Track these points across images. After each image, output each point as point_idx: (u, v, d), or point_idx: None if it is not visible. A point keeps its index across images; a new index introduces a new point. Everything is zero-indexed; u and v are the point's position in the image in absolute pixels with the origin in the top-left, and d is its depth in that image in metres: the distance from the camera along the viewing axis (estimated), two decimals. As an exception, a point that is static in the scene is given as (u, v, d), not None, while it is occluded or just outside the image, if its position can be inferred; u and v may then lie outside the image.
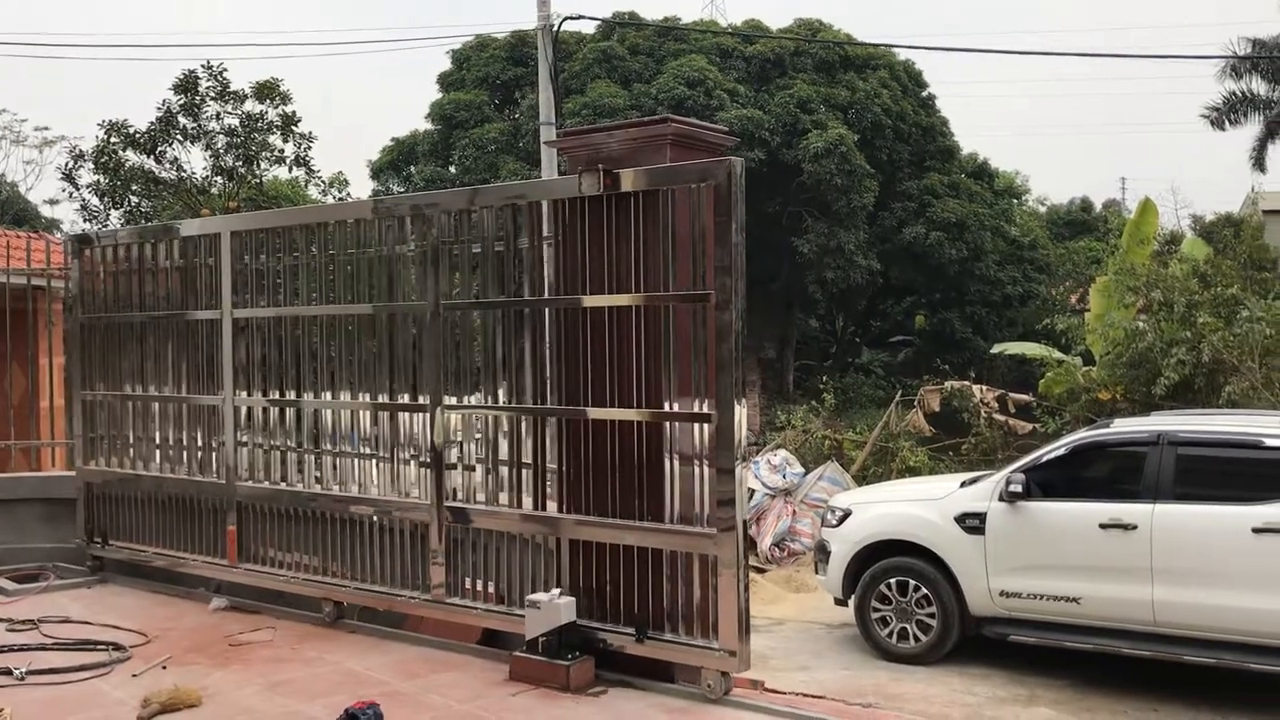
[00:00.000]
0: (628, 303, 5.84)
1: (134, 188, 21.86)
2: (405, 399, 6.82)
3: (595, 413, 5.95)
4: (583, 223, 6.01)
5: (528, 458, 6.31)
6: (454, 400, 6.57)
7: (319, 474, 7.40)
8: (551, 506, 6.20)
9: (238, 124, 21.67)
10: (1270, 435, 8.23)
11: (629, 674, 5.84)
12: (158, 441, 8.26)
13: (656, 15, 33.63)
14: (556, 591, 5.95)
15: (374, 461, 7.02)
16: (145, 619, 7.23)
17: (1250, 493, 8.00)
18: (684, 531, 5.68)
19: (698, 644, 5.63)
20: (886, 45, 35.63)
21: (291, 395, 7.38)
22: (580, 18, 19.47)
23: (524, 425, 6.31)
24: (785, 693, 6.37)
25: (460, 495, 6.56)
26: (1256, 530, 7.73)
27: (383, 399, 6.91)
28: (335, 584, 7.09)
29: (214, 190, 22.01)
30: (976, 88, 79.34)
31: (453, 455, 6.63)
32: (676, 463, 5.75)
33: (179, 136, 21.54)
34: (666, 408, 5.75)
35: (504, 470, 6.41)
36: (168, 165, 21.77)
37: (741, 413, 5.51)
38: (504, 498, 6.40)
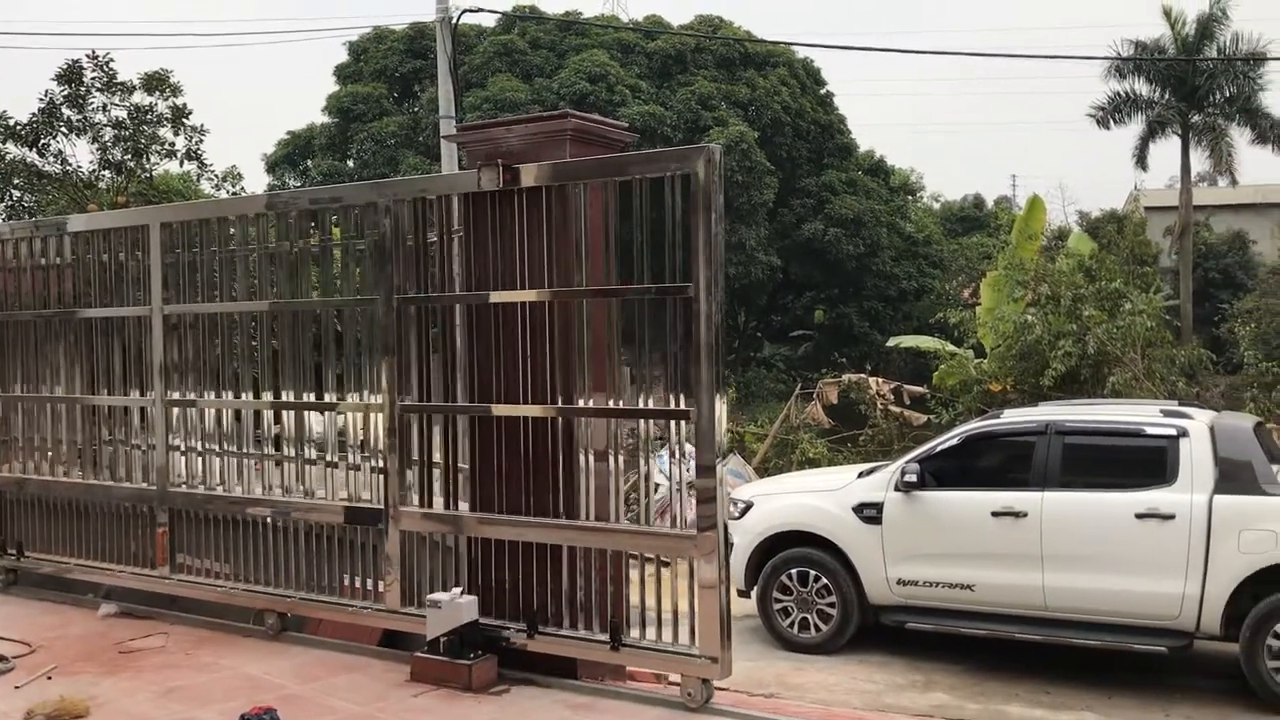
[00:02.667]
0: (535, 298, 5.82)
1: (16, 182, 21.03)
2: (310, 397, 6.72)
3: (504, 410, 5.92)
4: (487, 217, 5.98)
5: (440, 457, 6.25)
6: (360, 399, 6.46)
7: (217, 475, 7.24)
8: (464, 506, 6.16)
9: (126, 116, 21.00)
10: (1151, 424, 8.53)
11: (532, 671, 5.83)
12: (72, 445, 7.92)
13: (557, 9, 33.52)
14: (457, 591, 5.91)
15: (274, 462, 6.90)
16: (30, 628, 6.98)
17: (1133, 479, 8.28)
18: (662, 534, 5.61)
19: (676, 650, 5.45)
20: (786, 43, 36.07)
21: (195, 395, 7.18)
22: (480, 10, 19.27)
23: (427, 423, 6.24)
24: (751, 693, 6.39)
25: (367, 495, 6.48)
26: (1139, 515, 8.00)
27: (286, 397, 6.79)
28: (242, 589, 6.90)
29: (101, 184, 21.29)
30: (873, 86, 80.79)
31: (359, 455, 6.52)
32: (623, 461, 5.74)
33: (63, 129, 20.79)
34: (575, 403, 5.71)
35: (434, 470, 6.30)
36: (51, 159, 21.00)
37: (722, 408, 5.34)
38: (438, 499, 6.27)
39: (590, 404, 5.72)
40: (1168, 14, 34.21)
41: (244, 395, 6.99)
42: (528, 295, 5.84)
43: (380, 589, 6.35)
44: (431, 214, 6.27)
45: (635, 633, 5.61)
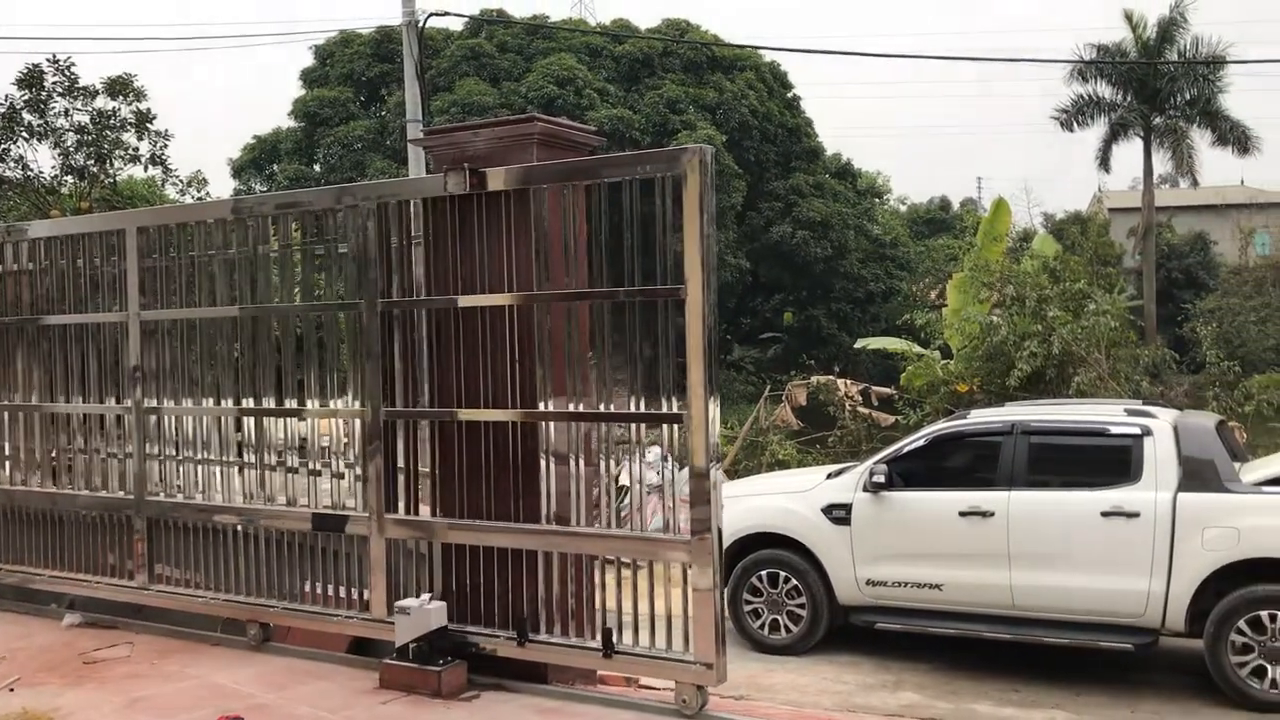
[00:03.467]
0: (521, 302, 5.78)
1: (-25, 187, 20.80)
2: (270, 403, 6.65)
3: (465, 414, 5.89)
4: (471, 221, 5.96)
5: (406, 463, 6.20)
6: (346, 404, 6.38)
7: (180, 483, 7.16)
8: (425, 510, 6.11)
9: (88, 121, 20.80)
10: (1116, 423, 8.62)
11: (502, 676, 5.81)
12: (42, 455, 7.76)
13: (525, 13, 33.54)
14: (426, 597, 5.88)
15: (238, 469, 6.83)
16: (-9, 639, 6.89)
17: (1098, 478, 8.35)
18: (655, 539, 5.55)
19: (670, 657, 5.37)
20: (753, 47, 36.23)
21: (173, 402, 7.07)
22: (446, 14, 19.30)
23: (412, 429, 6.17)
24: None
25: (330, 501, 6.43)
26: (1104, 514, 8.07)
27: (247, 403, 6.72)
28: (223, 599, 6.77)
29: (64, 190, 21.08)
30: (840, 89, 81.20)
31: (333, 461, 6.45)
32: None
33: (24, 134, 20.57)
34: (565, 408, 5.66)
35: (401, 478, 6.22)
36: (12, 164, 20.78)
37: (715, 412, 5.29)
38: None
39: (581, 408, 5.67)
40: (1129, 17, 34.65)
41: (224, 402, 6.85)
42: (510, 299, 5.78)
43: (365, 596, 6.26)
44: (417, 217, 6.19)
45: (627, 638, 5.53)
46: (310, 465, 6.55)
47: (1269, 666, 7.53)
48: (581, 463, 5.73)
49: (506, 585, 5.80)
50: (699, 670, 5.26)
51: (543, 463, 5.72)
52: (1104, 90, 36.10)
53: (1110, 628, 8.09)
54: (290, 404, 6.60)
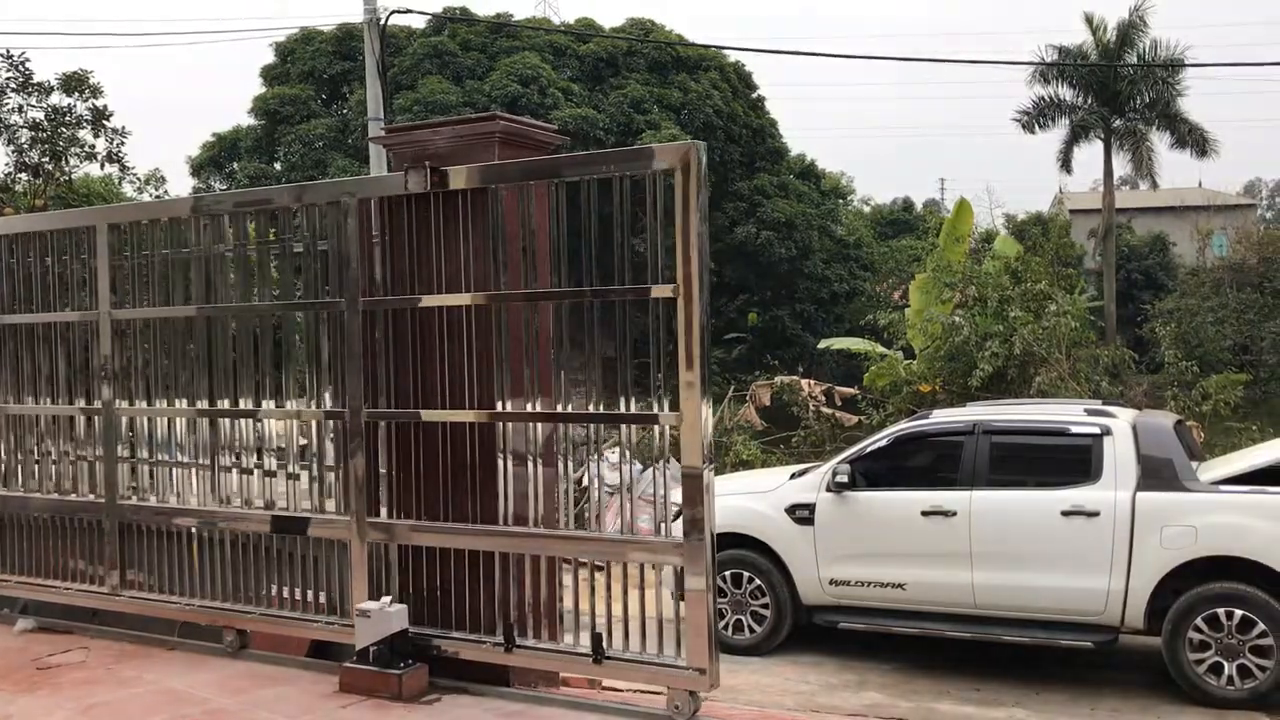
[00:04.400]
0: (470, 302, 5.73)
1: (-74, 184, 20.44)
2: (225, 404, 6.55)
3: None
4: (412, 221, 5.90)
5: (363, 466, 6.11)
6: (326, 405, 6.28)
7: (135, 484, 7.04)
8: (382, 512, 6.03)
9: (43, 118, 20.49)
10: (1076, 423, 8.69)
11: (464, 679, 5.76)
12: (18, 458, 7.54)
13: (488, 11, 33.38)
14: (387, 599, 5.81)
15: (193, 470, 6.72)
16: (-59, 646, 6.76)
17: (1059, 478, 8.42)
18: (647, 542, 5.44)
19: (661, 662, 5.27)
20: (717, 47, 36.27)
21: (145, 403, 6.88)
22: (409, 12, 19.07)
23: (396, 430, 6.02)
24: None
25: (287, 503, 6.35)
26: (1065, 513, 8.14)
27: (201, 404, 6.62)
28: (199, 605, 6.58)
29: (18, 188, 20.75)
30: (804, 90, 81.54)
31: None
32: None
33: (-25, 130, 20.25)
34: (554, 409, 5.58)
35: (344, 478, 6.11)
36: (-35, 161, 20.45)
37: (708, 413, 5.19)
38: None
39: (570, 409, 5.58)
40: (1089, 20, 35.00)
41: (199, 403, 6.66)
42: (483, 299, 5.69)
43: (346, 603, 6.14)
44: (401, 214, 6.09)
45: (617, 642, 5.42)
46: (294, 468, 6.37)
47: (1225, 663, 7.62)
48: (570, 465, 5.65)
49: (493, 589, 5.67)
50: (692, 675, 5.15)
51: (529, 466, 5.65)
52: (1065, 92, 36.51)
53: (1070, 626, 8.15)
54: (269, 405, 6.42)
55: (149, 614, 6.84)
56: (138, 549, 6.89)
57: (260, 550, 6.43)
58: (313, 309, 6.29)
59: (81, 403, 7.19)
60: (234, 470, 6.57)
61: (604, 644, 5.39)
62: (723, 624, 9.32)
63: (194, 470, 6.73)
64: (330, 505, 6.21)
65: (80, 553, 7.17)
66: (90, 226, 7.13)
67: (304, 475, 6.34)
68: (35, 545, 7.40)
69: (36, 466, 7.47)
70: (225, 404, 6.61)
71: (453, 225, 5.81)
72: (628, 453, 5.69)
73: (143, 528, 6.87)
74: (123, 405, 6.96)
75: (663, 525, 5.38)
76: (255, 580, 6.45)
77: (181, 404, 6.76)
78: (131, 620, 6.92)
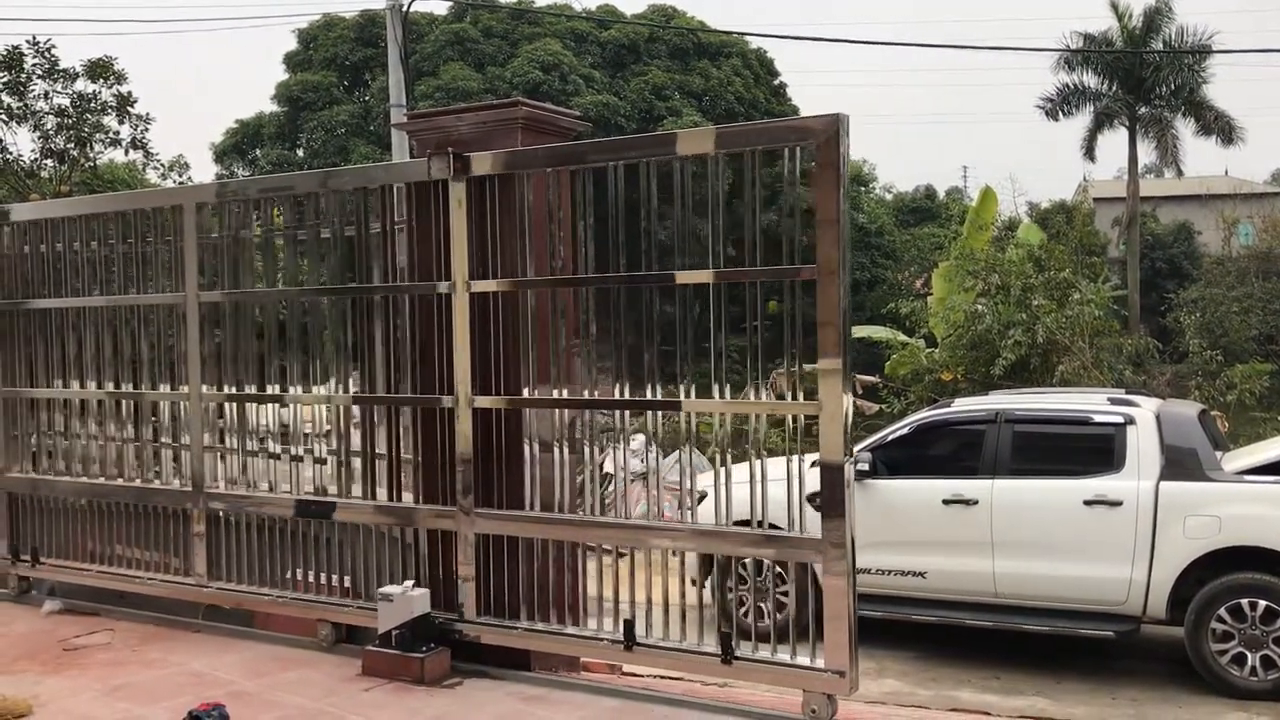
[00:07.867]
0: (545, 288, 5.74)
1: (-46, 170, 20.61)
2: (252, 389, 6.58)
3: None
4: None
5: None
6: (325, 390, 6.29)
7: (159, 468, 7.10)
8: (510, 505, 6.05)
9: (68, 104, 20.62)
10: (1099, 412, 8.64)
11: (485, 663, 5.79)
12: (94, 444, 7.39)
13: (510, -2, 33.30)
14: (409, 584, 5.85)
15: (219, 455, 6.77)
16: (-31, 627, 6.84)
17: (1081, 467, 8.38)
18: (779, 537, 5.32)
19: (797, 664, 5.10)
20: (739, 33, 36.08)
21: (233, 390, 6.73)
22: (431, -2, 19.12)
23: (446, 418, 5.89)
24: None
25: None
26: (1087, 502, 8.10)
27: (230, 390, 6.66)
28: (291, 597, 6.48)
29: (44, 173, 20.91)
30: (826, 77, 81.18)
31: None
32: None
33: (3, 116, 20.39)
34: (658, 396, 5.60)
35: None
36: (-10, 147, 20.60)
37: (849, 404, 4.97)
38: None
39: (694, 398, 5.54)
40: (1115, 7, 34.66)
41: (269, 388, 6.54)
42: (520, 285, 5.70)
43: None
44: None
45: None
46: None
47: (1249, 654, 7.58)
48: (718, 458, 5.58)
49: (615, 584, 5.60)
50: (830, 678, 4.92)
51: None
52: (1089, 80, 36.15)
53: (1092, 615, 8.12)
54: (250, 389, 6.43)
55: (245, 606, 6.68)
56: (226, 540, 6.75)
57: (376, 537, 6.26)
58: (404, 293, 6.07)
59: (166, 388, 7.02)
60: (317, 460, 6.47)
61: (733, 643, 5.22)
62: (742, 611, 9.32)
63: (263, 458, 6.64)
64: (407, 495, 6.14)
65: (158, 542, 7.02)
66: (178, 205, 6.88)
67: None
68: (107, 530, 7.26)
69: (121, 454, 7.29)
70: (296, 390, 6.46)
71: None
72: (632, 439, 5.65)
73: (230, 518, 6.75)
74: (209, 391, 6.77)
75: (791, 519, 5.28)
76: (374, 566, 6.26)
77: (250, 389, 6.63)
78: (158, 603, 6.98)
